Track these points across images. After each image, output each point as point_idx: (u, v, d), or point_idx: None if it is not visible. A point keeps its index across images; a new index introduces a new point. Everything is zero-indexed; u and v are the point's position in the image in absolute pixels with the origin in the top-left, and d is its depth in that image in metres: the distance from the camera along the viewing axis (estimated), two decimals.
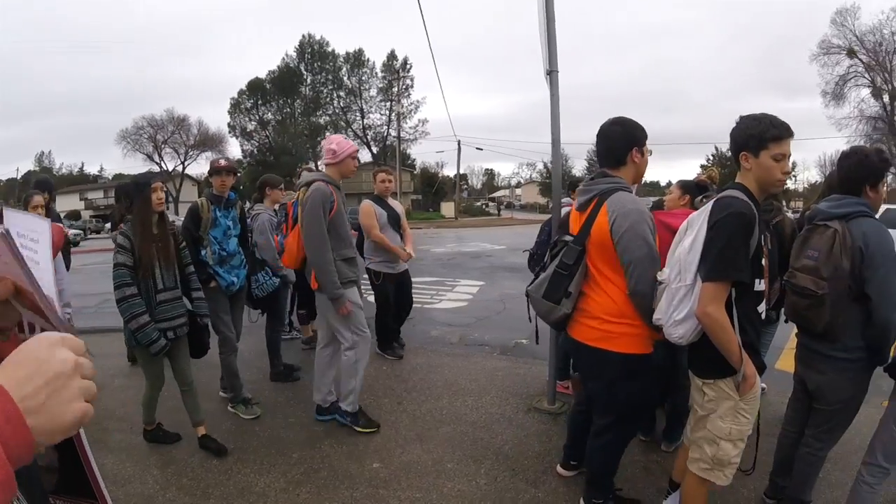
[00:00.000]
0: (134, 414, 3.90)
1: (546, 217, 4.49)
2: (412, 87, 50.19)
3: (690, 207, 3.32)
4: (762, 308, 2.20)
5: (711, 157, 53.47)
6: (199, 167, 52.23)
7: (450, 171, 56.78)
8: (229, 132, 52.28)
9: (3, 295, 0.79)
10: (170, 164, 50.21)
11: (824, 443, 2.58)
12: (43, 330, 0.85)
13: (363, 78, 50.91)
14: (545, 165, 63.53)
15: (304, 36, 51.75)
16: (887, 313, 2.27)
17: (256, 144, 51.97)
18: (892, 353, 2.39)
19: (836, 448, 2.71)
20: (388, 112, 50.44)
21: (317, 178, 3.73)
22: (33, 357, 0.56)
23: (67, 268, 4.94)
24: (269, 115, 52.57)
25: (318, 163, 45.60)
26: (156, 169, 48.90)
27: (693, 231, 2.17)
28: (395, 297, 5.33)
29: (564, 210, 3.55)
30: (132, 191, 3.33)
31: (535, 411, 4.09)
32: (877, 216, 2.42)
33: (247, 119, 52.38)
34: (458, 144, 45.85)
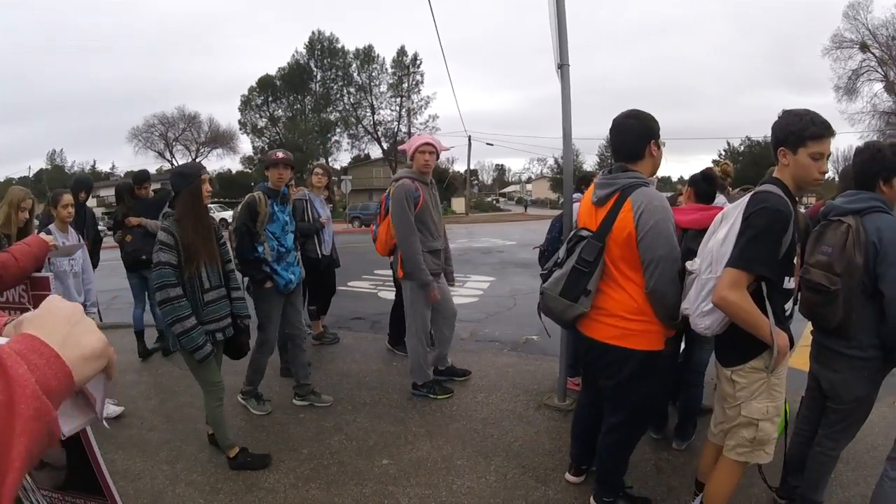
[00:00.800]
0: (144, 410, 3.94)
1: (557, 213, 4.45)
2: (422, 82, 50.08)
3: (695, 200, 3.27)
4: (789, 306, 2.19)
5: (723, 153, 52.94)
6: (211, 164, 52.58)
7: (460, 167, 56.67)
8: (240, 129, 52.57)
9: None
10: (181, 162, 50.45)
11: (838, 442, 2.54)
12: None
13: (373, 74, 50.78)
14: (556, 160, 63.35)
15: (313, 33, 51.68)
16: None
17: (267, 141, 52.02)
18: None
19: (849, 447, 2.66)
20: (398, 108, 50.33)
21: (403, 175, 4.09)
22: (45, 308, 0.67)
23: (96, 266, 4.94)
24: (280, 112, 52.69)
25: (329, 159, 45.85)
26: (167, 166, 49.34)
27: (728, 223, 2.18)
28: None
29: (576, 206, 3.51)
30: (179, 182, 3.11)
31: (545, 408, 4.06)
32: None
33: (257, 116, 52.54)
34: (469, 140, 45.68)
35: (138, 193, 5.45)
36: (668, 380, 2.69)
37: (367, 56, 50.54)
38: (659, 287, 2.32)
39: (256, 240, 3.82)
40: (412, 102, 49.35)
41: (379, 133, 50.93)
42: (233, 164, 57.22)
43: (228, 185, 47.36)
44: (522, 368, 4.97)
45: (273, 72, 52.20)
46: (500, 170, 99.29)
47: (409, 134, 46.51)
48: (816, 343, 2.56)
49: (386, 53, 52.91)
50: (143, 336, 5.50)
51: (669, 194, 4.72)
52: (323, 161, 27.42)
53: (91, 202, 6.16)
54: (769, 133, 2.26)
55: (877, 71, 34.56)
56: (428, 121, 49.40)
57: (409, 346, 4.31)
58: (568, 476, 3.06)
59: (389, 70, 50.41)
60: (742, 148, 50.72)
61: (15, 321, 0.80)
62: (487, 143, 53.33)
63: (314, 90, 52.11)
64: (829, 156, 2.09)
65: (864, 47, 34.04)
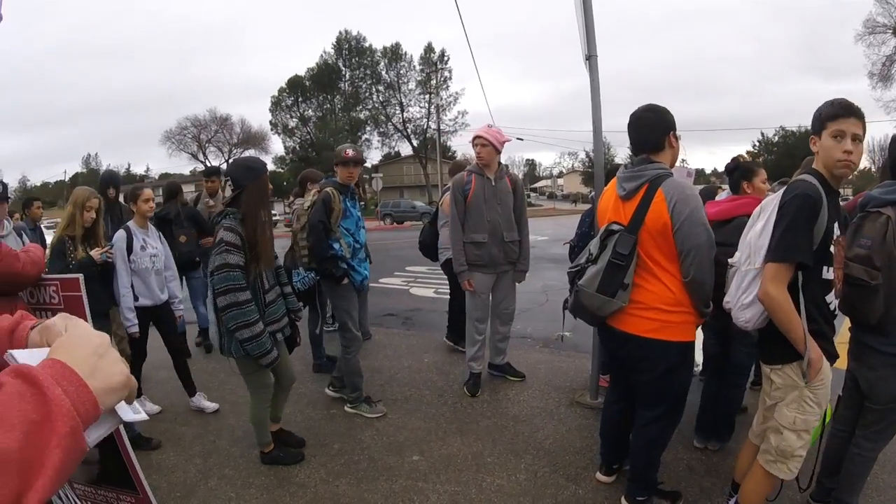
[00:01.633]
0: (178, 405, 4.01)
1: (587, 207, 4.38)
2: (450, 78, 50.01)
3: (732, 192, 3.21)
4: (831, 298, 2.12)
5: (757, 143, 51.44)
6: (220, 172, 53.43)
7: None
8: (271, 129, 53.33)
9: None
10: (214, 163, 51.40)
11: (876, 443, 2.43)
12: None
13: (401, 72, 50.94)
14: (587, 154, 62.54)
15: (340, 32, 52.15)
16: None
17: (298, 141, 52.76)
18: None
19: (885, 450, 2.54)
20: (427, 105, 50.41)
21: (468, 168, 4.29)
22: (76, 336, 0.71)
23: None
24: (310, 112, 53.28)
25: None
26: (200, 168, 50.38)
27: (765, 215, 2.16)
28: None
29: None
30: (243, 176, 2.96)
31: (577, 405, 4.01)
32: None
33: (288, 116, 53.23)
34: (501, 133, 45.50)
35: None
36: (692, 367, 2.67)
37: (394, 54, 50.73)
38: (698, 276, 2.31)
39: (331, 236, 3.73)
40: (441, 99, 49.36)
41: (408, 130, 51.12)
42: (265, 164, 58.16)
43: None
44: (554, 365, 4.92)
45: (302, 72, 52.91)
46: (531, 165, 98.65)
47: (439, 131, 46.52)
48: (854, 340, 2.45)
49: (413, 50, 52.98)
50: (208, 333, 5.70)
51: (701, 187, 4.61)
52: None
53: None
54: (803, 123, 2.22)
55: None
56: (457, 117, 49.42)
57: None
58: (599, 475, 3.02)
59: (417, 67, 50.55)
60: (777, 138, 49.22)
61: (40, 326, 0.81)
62: (518, 138, 52.82)
63: (343, 89, 52.55)
64: (854, 136, 2.02)
65: None
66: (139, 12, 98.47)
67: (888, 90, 33.46)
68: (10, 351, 0.70)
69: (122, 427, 1.48)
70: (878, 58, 33.43)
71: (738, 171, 3.20)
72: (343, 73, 52.54)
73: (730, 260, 2.32)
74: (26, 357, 0.68)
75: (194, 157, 52.67)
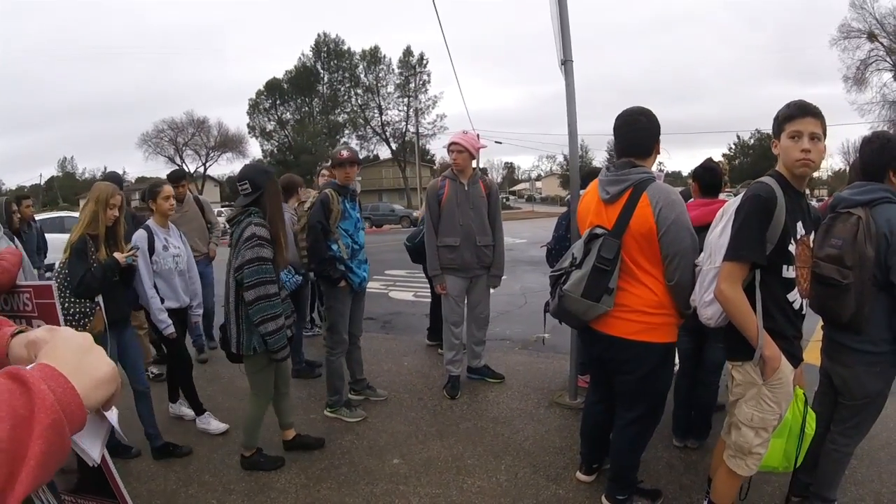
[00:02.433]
0: (157, 412, 3.94)
1: (563, 210, 4.43)
2: (429, 82, 50.13)
3: (700, 194, 3.27)
4: (794, 297, 2.16)
5: (733, 146, 52.45)
6: (220, 168, 52.88)
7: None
8: (249, 133, 52.84)
9: None
10: (191, 166, 50.79)
11: (851, 439, 2.50)
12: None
13: (380, 75, 50.88)
14: (565, 157, 62.94)
15: (319, 35, 51.96)
16: None
17: (276, 144, 52.36)
18: None
19: (863, 444, 2.63)
20: (405, 108, 50.42)
21: (444, 173, 4.35)
22: (58, 339, 0.73)
23: None
24: (288, 115, 52.99)
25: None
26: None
27: (726, 217, 2.20)
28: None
29: None
30: (261, 177, 3.03)
31: (556, 406, 4.05)
32: None
33: (266, 119, 52.84)
34: (477, 138, 45.63)
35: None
36: (672, 372, 2.73)
37: (373, 57, 50.66)
38: (682, 279, 2.38)
39: (330, 237, 3.73)
40: (420, 102, 49.43)
41: (387, 134, 51.05)
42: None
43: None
44: (533, 367, 4.96)
45: (280, 75, 52.63)
46: (510, 168, 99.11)
47: (418, 134, 46.53)
48: (827, 338, 2.52)
49: (392, 54, 52.95)
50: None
51: (681, 189, 4.68)
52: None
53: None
54: None
55: (885, 60, 33.92)
56: (436, 120, 49.51)
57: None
58: (579, 475, 3.05)
59: (396, 70, 50.58)
60: (752, 141, 50.26)
61: (26, 340, 0.83)
62: (496, 142, 52.96)
63: (322, 92, 52.33)
64: (812, 134, 2.05)
65: (871, 37, 33.42)
66: (116, 13, 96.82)
67: (862, 93, 34.47)
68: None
69: None
70: (852, 62, 34.41)
71: (712, 174, 3.27)
72: (321, 75, 52.33)
73: (696, 260, 2.38)
74: None
75: (171, 160, 51.79)
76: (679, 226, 2.34)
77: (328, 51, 51.72)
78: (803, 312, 2.23)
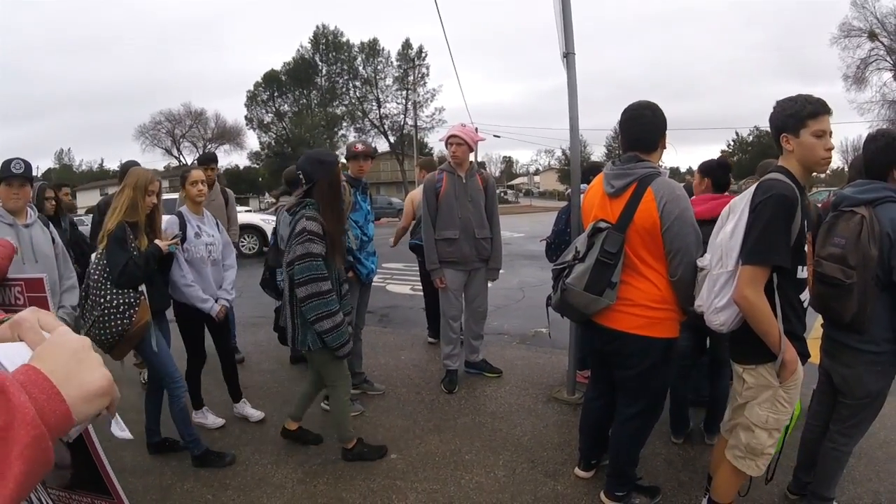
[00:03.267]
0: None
1: (563, 204, 4.40)
2: (428, 75, 49.81)
3: (712, 190, 3.22)
4: (805, 296, 2.14)
5: (732, 143, 52.44)
6: (218, 160, 52.46)
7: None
8: (247, 124, 52.47)
9: None
10: (188, 158, 50.38)
11: (850, 438, 2.49)
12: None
13: (378, 67, 50.57)
14: (563, 152, 63.06)
15: (317, 26, 51.52)
16: None
17: (274, 136, 52.08)
18: None
19: (861, 442, 2.62)
20: (404, 101, 50.21)
21: (441, 167, 4.31)
22: (54, 342, 0.67)
23: None
24: (286, 107, 52.64)
25: (336, 153, 45.78)
26: (175, 163, 49.44)
27: (735, 216, 2.13)
28: None
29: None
30: (317, 170, 2.92)
31: (554, 401, 4.03)
32: None
33: (263, 111, 52.49)
34: (476, 132, 45.55)
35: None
36: (674, 364, 2.70)
37: (372, 49, 50.36)
38: (685, 275, 2.35)
39: None
40: (418, 95, 49.22)
41: (385, 126, 50.82)
42: (240, 159, 57.38)
43: (236, 181, 47.37)
44: (531, 361, 4.94)
45: (278, 66, 52.20)
46: (508, 162, 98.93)
47: (416, 127, 46.41)
48: (828, 337, 2.50)
49: (391, 46, 52.44)
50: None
51: (681, 185, 4.66)
52: None
53: (99, 199, 5.86)
54: None
55: (885, 60, 33.80)
56: (434, 113, 49.24)
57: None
58: (577, 471, 3.04)
59: (395, 63, 50.25)
60: (751, 138, 50.26)
61: (10, 322, 0.78)
62: (495, 136, 52.88)
63: (320, 84, 52.02)
64: (830, 134, 2.05)
65: (872, 36, 33.31)
66: (113, 5, 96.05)
67: (862, 92, 34.30)
68: None
69: (91, 430, 1.44)
70: (852, 61, 34.23)
71: (724, 171, 3.24)
72: (320, 67, 51.99)
73: (699, 263, 2.30)
74: (3, 353, 0.65)
75: (168, 152, 51.65)
76: (683, 221, 2.32)
77: (327, 43, 51.37)
78: (807, 308, 2.22)
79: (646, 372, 2.49)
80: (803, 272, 2.10)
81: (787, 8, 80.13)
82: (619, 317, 2.46)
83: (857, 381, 2.38)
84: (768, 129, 2.22)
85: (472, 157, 4.39)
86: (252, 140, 54.07)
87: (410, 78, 49.30)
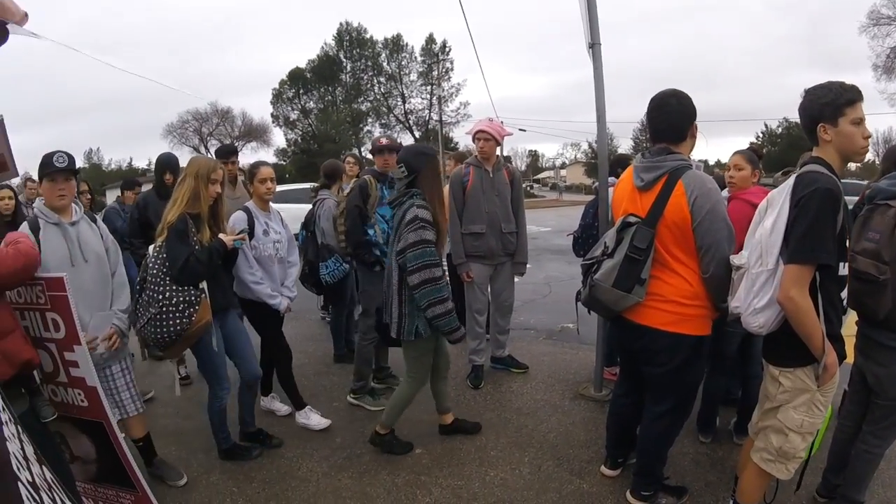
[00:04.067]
0: (181, 399, 3.97)
1: (590, 198, 4.34)
2: (452, 69, 49.81)
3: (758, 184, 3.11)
4: (844, 294, 2.06)
5: (761, 135, 51.16)
6: (245, 157, 53.12)
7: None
8: (273, 122, 52.99)
9: None
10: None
11: (883, 440, 2.38)
12: None
13: (403, 63, 50.76)
14: (590, 145, 62.22)
15: (341, 24, 51.87)
16: None
17: (300, 133, 52.56)
18: None
19: (893, 445, 2.50)
20: (429, 96, 50.27)
21: (468, 161, 4.30)
22: None
23: None
24: (311, 104, 53.09)
25: (362, 149, 46.06)
26: None
27: (774, 211, 2.03)
28: None
29: (610, 191, 3.41)
30: (419, 161, 2.95)
31: (581, 398, 3.98)
32: None
33: (289, 108, 52.99)
34: (502, 126, 45.27)
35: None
36: (704, 362, 2.63)
37: (395, 45, 50.52)
38: (717, 271, 2.27)
39: (367, 222, 3.77)
40: (443, 90, 49.14)
41: (410, 122, 50.98)
42: (267, 156, 57.69)
43: None
44: (558, 357, 4.89)
45: (303, 64, 52.64)
46: (534, 156, 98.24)
47: (441, 122, 46.38)
48: (862, 334, 2.39)
49: (415, 42, 52.71)
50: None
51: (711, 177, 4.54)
52: (355, 151, 27.60)
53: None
54: None
55: None
56: (459, 108, 49.27)
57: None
58: (604, 469, 2.99)
59: (419, 58, 50.39)
60: (780, 130, 48.93)
61: None
62: (520, 129, 52.56)
63: (344, 81, 52.37)
64: (864, 119, 1.97)
65: None
66: (140, 7, 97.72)
67: (892, 82, 32.88)
68: None
69: (116, 427, 1.46)
70: (882, 49, 32.80)
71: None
72: (344, 64, 52.33)
73: (735, 262, 2.20)
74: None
75: (196, 150, 52.38)
76: (714, 216, 2.23)
77: (350, 39, 51.66)
78: (846, 307, 2.13)
79: (676, 369, 2.42)
80: (844, 269, 2.01)
81: None
82: (649, 312, 2.40)
83: (891, 382, 2.28)
84: (797, 121, 2.13)
85: (498, 151, 4.35)
86: (278, 137, 54.65)
87: (435, 73, 49.32)
